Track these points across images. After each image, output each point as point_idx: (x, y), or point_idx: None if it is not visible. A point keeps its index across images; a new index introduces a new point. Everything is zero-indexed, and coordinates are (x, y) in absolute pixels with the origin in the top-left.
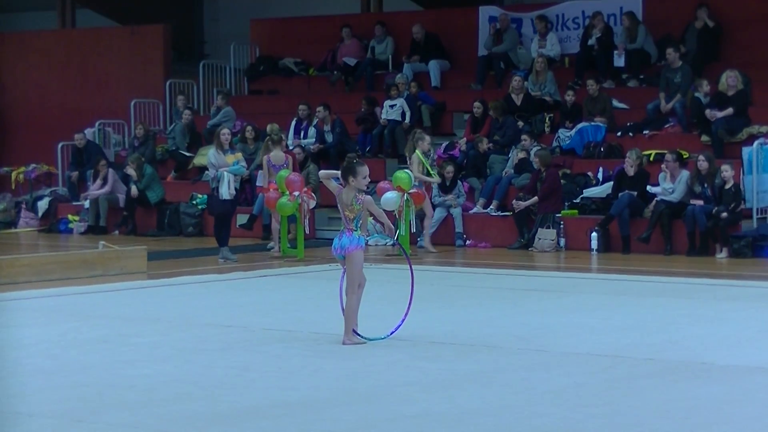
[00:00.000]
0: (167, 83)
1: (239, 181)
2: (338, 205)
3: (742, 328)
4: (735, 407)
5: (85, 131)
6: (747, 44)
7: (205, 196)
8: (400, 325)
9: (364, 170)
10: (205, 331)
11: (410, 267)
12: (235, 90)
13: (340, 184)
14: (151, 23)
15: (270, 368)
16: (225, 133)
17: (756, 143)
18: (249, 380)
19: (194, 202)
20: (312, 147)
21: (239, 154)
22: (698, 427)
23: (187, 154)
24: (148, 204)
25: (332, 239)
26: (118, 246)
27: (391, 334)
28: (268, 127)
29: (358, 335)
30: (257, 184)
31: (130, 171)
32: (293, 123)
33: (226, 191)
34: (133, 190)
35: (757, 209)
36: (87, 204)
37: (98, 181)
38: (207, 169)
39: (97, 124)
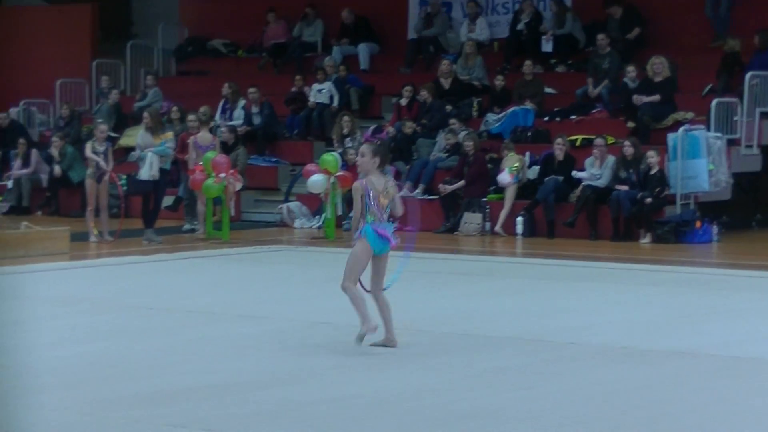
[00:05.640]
0: (94, 63)
1: (168, 162)
2: (363, 198)
3: (664, 313)
4: (656, 391)
5: (10, 111)
6: (674, 31)
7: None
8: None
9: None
10: (128, 313)
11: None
12: (163, 71)
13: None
14: (78, 2)
15: (193, 351)
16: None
17: (681, 129)
18: (172, 362)
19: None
20: (239, 129)
21: (170, 134)
22: (619, 411)
23: (113, 134)
24: (71, 184)
25: (258, 221)
26: (40, 227)
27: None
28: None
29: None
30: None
31: (53, 151)
32: (221, 103)
33: (147, 172)
34: (56, 170)
35: (681, 195)
36: (10, 184)
37: (19, 161)
38: (133, 150)
39: (21, 103)
